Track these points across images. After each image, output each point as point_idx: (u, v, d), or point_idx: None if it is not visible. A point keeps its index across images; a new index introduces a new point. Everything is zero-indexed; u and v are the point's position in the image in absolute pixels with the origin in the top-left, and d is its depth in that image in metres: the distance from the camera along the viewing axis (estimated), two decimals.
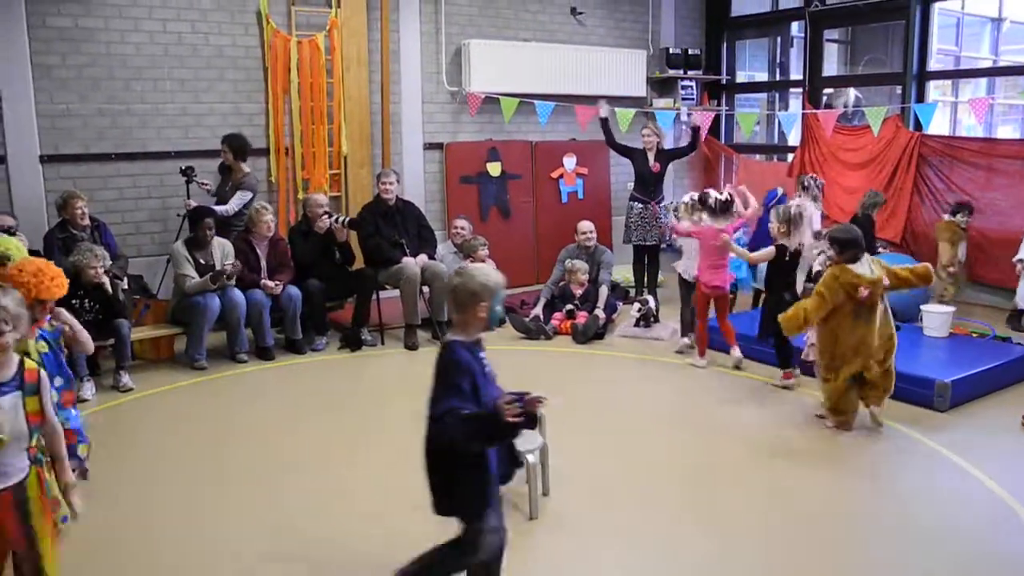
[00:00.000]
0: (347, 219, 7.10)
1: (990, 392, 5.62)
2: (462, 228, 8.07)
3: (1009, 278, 7.33)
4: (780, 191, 8.17)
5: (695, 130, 8.27)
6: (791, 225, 5.64)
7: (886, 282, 4.82)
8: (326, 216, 6.98)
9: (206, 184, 7.16)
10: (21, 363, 2.69)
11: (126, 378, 5.97)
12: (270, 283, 6.70)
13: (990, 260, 7.90)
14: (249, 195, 7.15)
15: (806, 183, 7.06)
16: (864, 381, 4.93)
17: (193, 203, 6.96)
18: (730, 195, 6.30)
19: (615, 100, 9.39)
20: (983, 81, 12.23)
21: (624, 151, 8.51)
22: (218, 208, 6.95)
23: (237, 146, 7.18)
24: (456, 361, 2.83)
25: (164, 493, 4.30)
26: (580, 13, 9.71)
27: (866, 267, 4.83)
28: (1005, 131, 12.58)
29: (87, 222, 6.43)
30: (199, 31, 7.50)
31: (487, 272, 3.01)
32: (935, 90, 9.90)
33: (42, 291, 3.26)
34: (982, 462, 4.56)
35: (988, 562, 3.60)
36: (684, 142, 10.42)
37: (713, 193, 6.36)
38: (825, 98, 10.22)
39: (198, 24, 7.50)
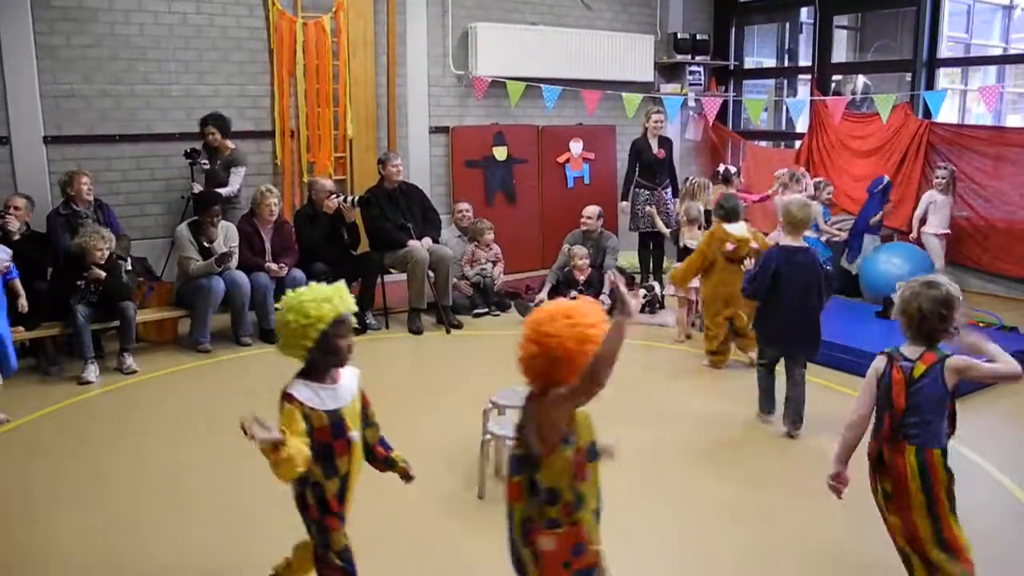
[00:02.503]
0: (355, 198, 7.07)
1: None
2: (467, 211, 8.06)
3: (1017, 268, 7.30)
4: (886, 179, 8.06)
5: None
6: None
7: (753, 245, 5.73)
8: (334, 197, 6.95)
9: (206, 163, 7.08)
10: None
11: (130, 360, 5.95)
12: (274, 266, 6.68)
13: (998, 249, 7.84)
14: (243, 169, 7.18)
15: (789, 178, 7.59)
16: (737, 332, 5.89)
17: (198, 187, 6.94)
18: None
19: (622, 85, 9.35)
20: (993, 69, 12.15)
21: (634, 160, 8.38)
22: (222, 191, 6.92)
23: (224, 125, 7.15)
24: None
25: (167, 474, 4.29)
26: None
27: (741, 230, 5.79)
28: (1014, 119, 12.52)
29: (91, 199, 6.41)
30: (204, 12, 7.45)
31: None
32: (945, 78, 9.83)
33: None
34: (990, 452, 4.54)
35: (997, 552, 3.58)
36: (691, 135, 10.42)
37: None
38: (834, 85, 10.15)
39: (203, 5, 7.45)
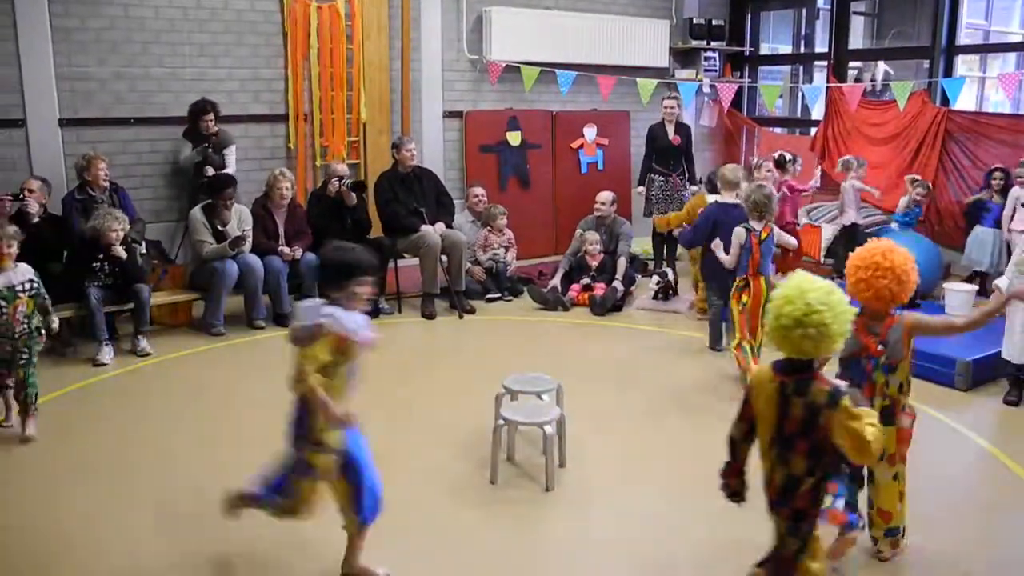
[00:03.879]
0: (351, 182, 7.05)
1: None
2: (482, 196, 8.06)
3: None
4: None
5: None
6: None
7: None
8: (336, 180, 6.94)
9: (207, 147, 7.05)
10: None
11: (144, 343, 5.98)
12: (287, 250, 6.68)
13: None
14: (234, 147, 7.18)
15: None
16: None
17: (211, 170, 6.93)
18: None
19: (637, 71, 9.29)
20: (1012, 56, 12.01)
21: (649, 146, 8.36)
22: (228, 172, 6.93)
23: (218, 109, 7.09)
24: None
25: (180, 457, 4.31)
26: None
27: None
28: None
29: (107, 184, 6.43)
30: None
31: None
32: (963, 65, 9.72)
33: None
34: (1003, 442, 4.52)
35: (1014, 538, 3.58)
36: (705, 121, 10.35)
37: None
38: (855, 72, 10.06)
39: None
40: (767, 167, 7.62)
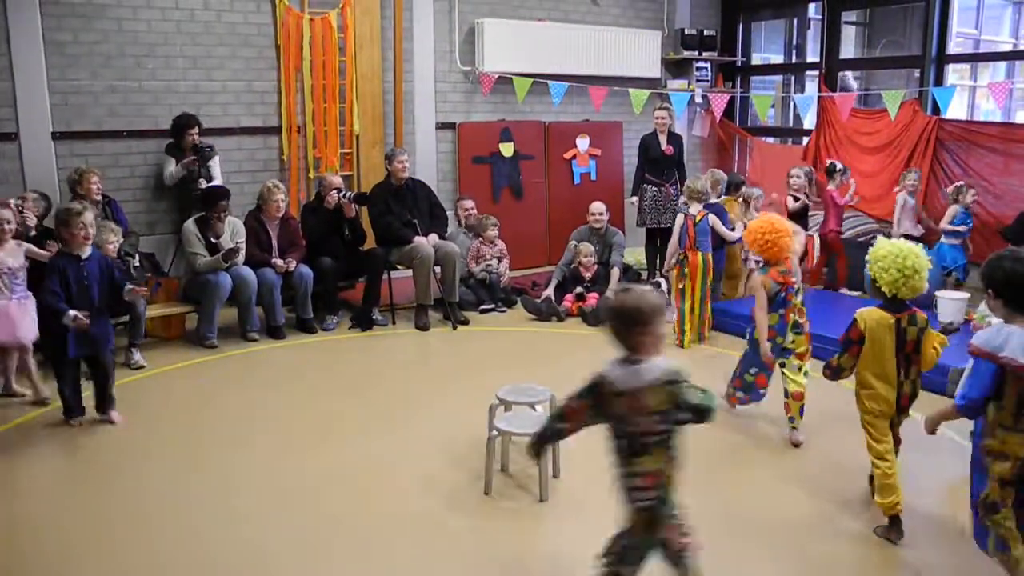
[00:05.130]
0: (354, 194, 7.07)
1: None
2: (472, 208, 8.07)
3: None
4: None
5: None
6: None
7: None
8: (335, 192, 6.96)
9: (195, 161, 7.04)
10: None
11: (138, 355, 5.97)
12: (280, 262, 6.68)
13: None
14: (218, 158, 7.17)
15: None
16: None
17: (204, 183, 6.94)
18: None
19: (629, 81, 9.33)
20: (1002, 65, 12.08)
21: (642, 156, 8.41)
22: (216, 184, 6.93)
23: (201, 123, 7.13)
24: None
25: (174, 469, 4.30)
26: None
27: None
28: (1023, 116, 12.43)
29: (100, 197, 6.43)
30: (211, 8, 7.47)
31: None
32: (954, 74, 9.77)
33: None
34: None
35: None
36: (698, 131, 10.42)
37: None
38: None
39: (210, 1, 7.46)
40: (796, 175, 7.78)
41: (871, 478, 3.84)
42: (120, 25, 7.09)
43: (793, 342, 4.62)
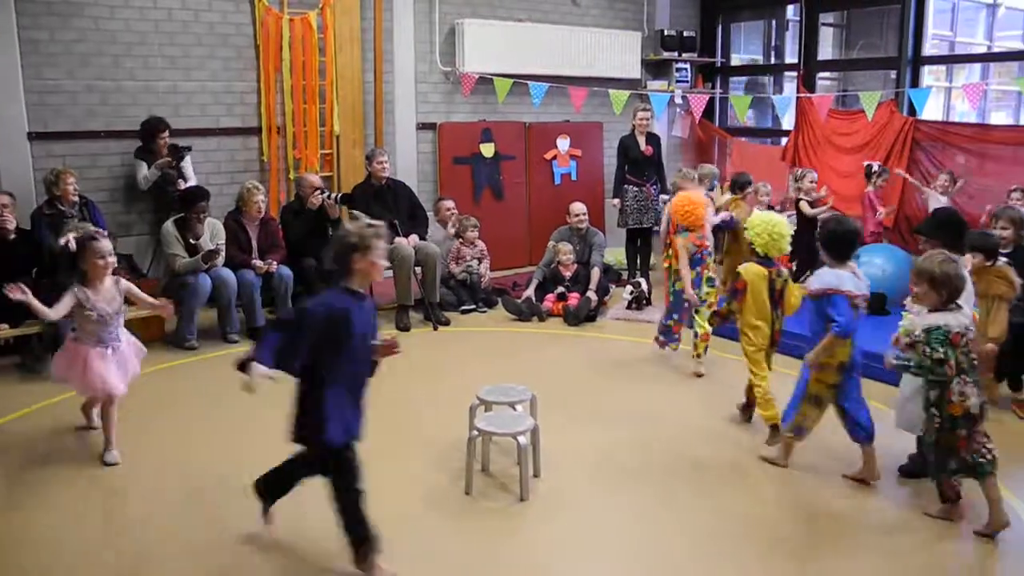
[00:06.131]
0: (339, 195, 7.06)
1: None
2: (453, 208, 8.06)
3: None
4: None
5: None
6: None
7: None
8: (319, 193, 6.94)
9: (171, 162, 7.01)
10: None
11: None
12: (260, 263, 6.65)
13: None
14: (189, 156, 7.12)
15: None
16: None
17: (183, 183, 6.90)
18: None
19: (609, 82, 9.36)
20: (977, 67, 12.22)
21: (622, 157, 8.44)
22: (191, 184, 6.90)
23: (170, 125, 7.08)
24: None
25: (153, 470, 4.28)
26: None
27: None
28: (998, 117, 12.59)
29: (76, 199, 6.38)
30: (189, 7, 7.43)
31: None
32: (929, 75, 9.88)
33: None
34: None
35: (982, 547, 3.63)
36: (678, 131, 10.48)
37: None
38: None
39: (188, 0, 7.42)
40: (810, 177, 7.93)
41: (743, 406, 4.94)
42: (97, 24, 7.04)
43: (707, 293, 5.78)
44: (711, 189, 7.75)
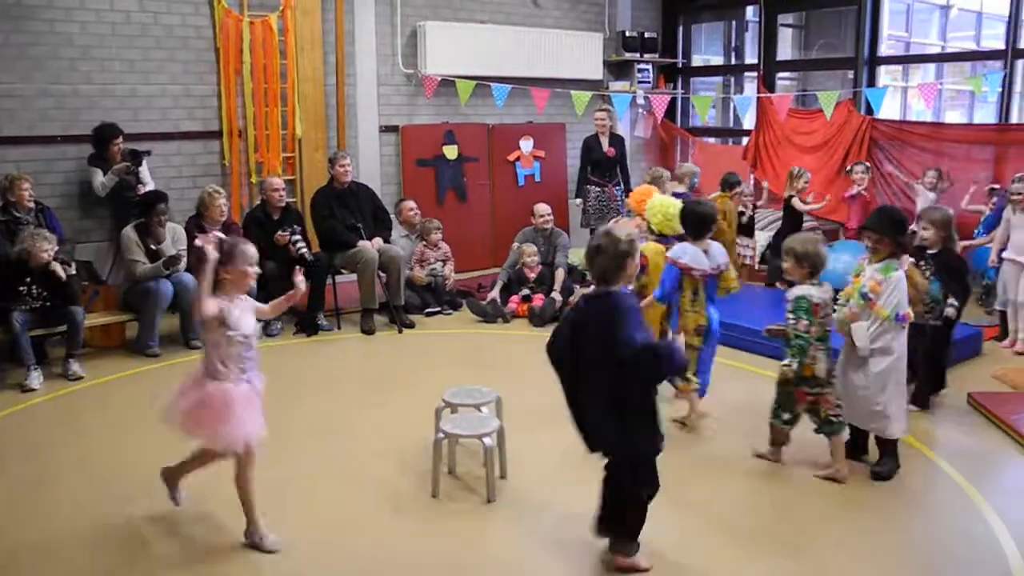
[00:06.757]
0: (310, 253, 6.87)
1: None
2: (415, 209, 8.02)
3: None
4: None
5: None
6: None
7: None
8: (286, 233, 6.77)
9: (129, 167, 6.91)
10: None
11: (76, 366, 5.83)
12: None
13: None
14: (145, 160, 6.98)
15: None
16: None
17: (142, 188, 6.81)
18: None
19: (571, 83, 9.39)
20: (932, 66, 12.43)
21: (585, 158, 8.50)
22: (149, 189, 6.81)
23: (121, 131, 6.95)
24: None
25: (112, 480, 4.22)
26: None
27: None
28: (953, 116, 12.82)
29: (32, 205, 6.27)
30: (148, 10, 7.34)
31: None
32: (886, 75, 10.04)
33: None
34: (928, 439, 4.66)
35: (941, 540, 3.69)
36: (640, 132, 10.55)
37: None
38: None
39: (147, 2, 7.34)
40: (805, 178, 8.03)
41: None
42: (52, 27, 6.93)
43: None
44: (692, 188, 7.88)
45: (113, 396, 5.54)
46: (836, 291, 4.19)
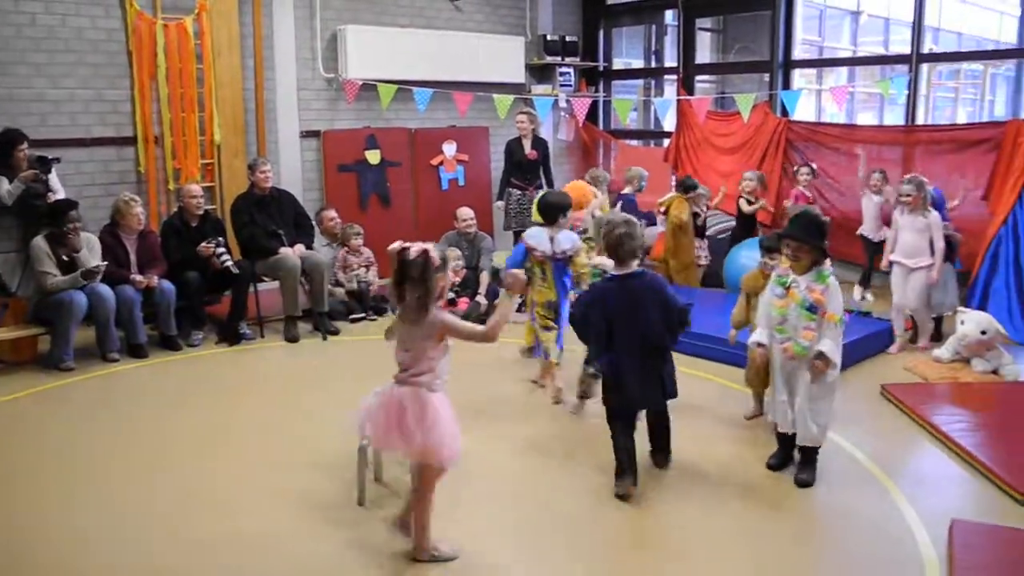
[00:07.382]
0: (233, 263, 6.74)
1: (852, 364, 5.84)
2: (336, 218, 7.94)
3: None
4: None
5: None
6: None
7: None
8: (211, 245, 6.64)
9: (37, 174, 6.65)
10: None
11: None
12: (140, 278, 6.42)
13: (850, 238, 8.15)
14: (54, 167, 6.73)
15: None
16: None
17: (52, 196, 6.58)
18: None
19: (493, 87, 9.41)
20: (844, 70, 12.81)
21: (507, 161, 8.54)
22: (59, 197, 6.58)
23: (27, 137, 6.68)
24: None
25: (26, 499, 4.07)
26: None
27: None
28: (865, 117, 13.25)
29: None
30: (55, 12, 7.11)
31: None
32: (800, 78, 10.32)
33: None
34: (844, 428, 4.79)
35: (849, 524, 3.80)
36: (563, 135, 10.64)
37: None
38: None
39: (53, 5, 7.10)
40: (749, 179, 8.26)
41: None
42: None
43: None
44: (639, 190, 8.05)
45: (23, 413, 5.34)
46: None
